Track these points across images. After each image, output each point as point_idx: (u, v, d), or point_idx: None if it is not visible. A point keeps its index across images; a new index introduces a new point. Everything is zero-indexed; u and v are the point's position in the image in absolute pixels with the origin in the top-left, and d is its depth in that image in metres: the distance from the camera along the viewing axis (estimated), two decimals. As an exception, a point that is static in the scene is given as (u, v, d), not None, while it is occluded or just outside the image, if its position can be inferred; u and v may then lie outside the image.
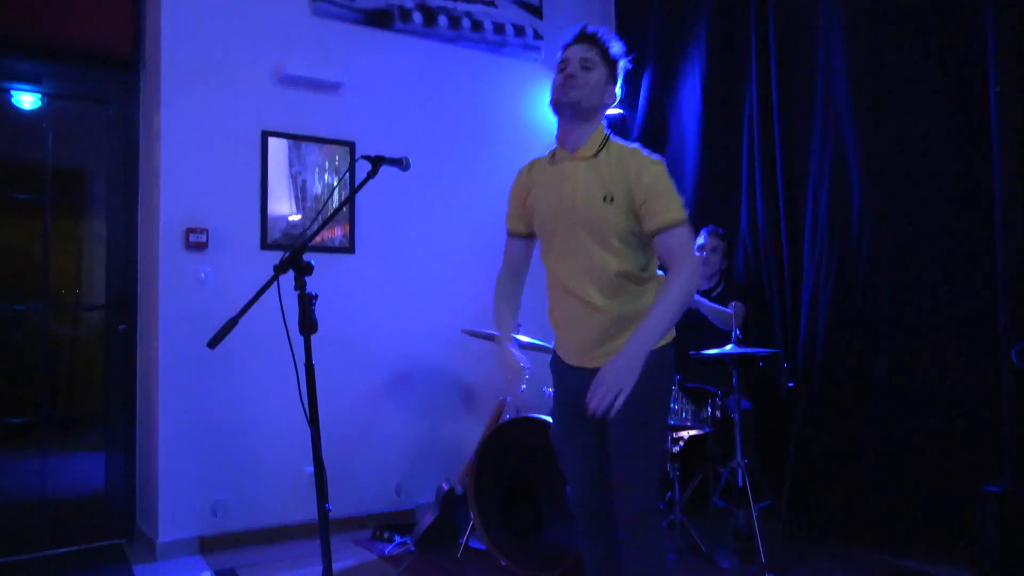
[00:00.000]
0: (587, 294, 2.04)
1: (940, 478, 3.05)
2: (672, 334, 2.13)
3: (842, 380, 3.41)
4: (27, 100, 3.59)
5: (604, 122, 2.13)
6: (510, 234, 2.27)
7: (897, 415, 3.20)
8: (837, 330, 3.44)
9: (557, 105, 2.06)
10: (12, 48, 3.48)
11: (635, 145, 2.08)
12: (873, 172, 3.29)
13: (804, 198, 3.60)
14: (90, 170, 3.75)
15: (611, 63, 2.10)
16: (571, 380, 2.11)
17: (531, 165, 2.23)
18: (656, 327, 1.87)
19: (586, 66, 2.05)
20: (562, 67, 2.09)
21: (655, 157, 2.03)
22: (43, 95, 3.59)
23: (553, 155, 2.14)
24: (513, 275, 2.30)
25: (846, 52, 3.38)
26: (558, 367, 2.19)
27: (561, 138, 2.10)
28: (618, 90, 2.13)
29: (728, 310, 3.54)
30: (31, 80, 3.55)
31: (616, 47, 2.11)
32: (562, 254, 2.09)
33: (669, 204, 1.97)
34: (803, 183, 3.60)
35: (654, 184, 1.98)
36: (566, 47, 2.11)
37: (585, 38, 2.09)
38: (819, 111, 3.52)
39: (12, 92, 3.54)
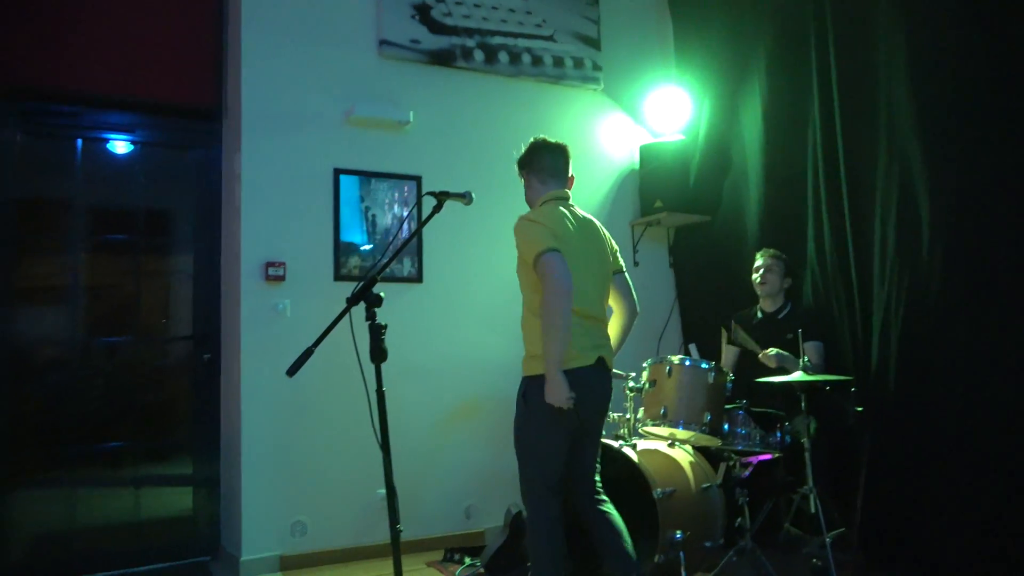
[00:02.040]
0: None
1: (1022, 512, 2.92)
2: (563, 362, 2.48)
3: (916, 408, 3.30)
4: (121, 147, 3.89)
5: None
6: None
7: (974, 445, 3.08)
8: (910, 357, 3.33)
9: None
10: (110, 105, 3.81)
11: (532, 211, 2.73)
12: (942, 196, 3.20)
13: (871, 224, 3.53)
14: (177, 211, 4.03)
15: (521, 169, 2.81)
16: None
17: None
18: (545, 346, 2.43)
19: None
20: None
21: (523, 216, 2.64)
22: (135, 143, 3.89)
23: None
24: None
25: (909, 78, 3.32)
26: None
27: None
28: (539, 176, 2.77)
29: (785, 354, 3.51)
30: (125, 130, 3.86)
31: (518, 156, 2.82)
32: None
33: (523, 248, 2.57)
34: (870, 208, 3.54)
35: (516, 235, 2.60)
36: None
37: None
38: (883, 136, 3.46)
39: (109, 141, 3.85)
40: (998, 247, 3.04)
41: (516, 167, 2.83)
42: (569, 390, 2.42)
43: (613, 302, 2.85)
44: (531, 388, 2.55)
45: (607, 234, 2.83)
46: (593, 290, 2.64)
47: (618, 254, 2.85)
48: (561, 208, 2.69)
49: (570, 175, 2.82)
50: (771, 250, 3.87)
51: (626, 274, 2.85)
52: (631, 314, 2.85)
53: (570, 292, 2.43)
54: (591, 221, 2.78)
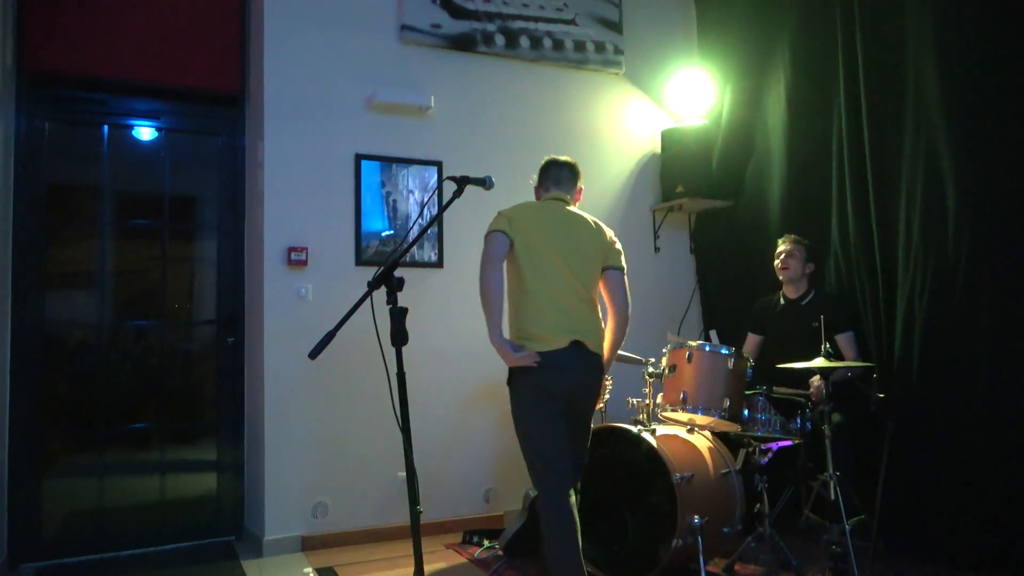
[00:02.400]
0: None
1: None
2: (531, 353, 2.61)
3: (939, 396, 3.27)
4: (146, 134, 3.94)
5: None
6: None
7: (997, 434, 3.04)
8: (934, 344, 3.29)
9: None
10: (135, 91, 3.87)
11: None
12: (968, 182, 3.14)
13: (896, 210, 3.48)
14: (201, 196, 4.08)
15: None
16: None
17: None
18: None
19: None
20: None
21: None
22: (160, 129, 3.94)
23: None
24: None
25: (936, 61, 3.26)
26: None
27: None
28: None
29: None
30: (150, 117, 3.91)
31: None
32: None
33: None
34: (895, 194, 3.49)
35: None
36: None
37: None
38: (909, 120, 3.41)
39: (135, 128, 3.91)
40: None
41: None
42: (515, 351, 2.60)
43: (605, 300, 2.82)
44: (510, 370, 2.70)
45: (604, 231, 2.83)
46: (565, 270, 2.68)
47: (620, 257, 2.83)
48: (541, 203, 2.86)
49: (578, 187, 2.94)
50: (792, 235, 3.84)
51: (623, 274, 2.81)
52: (621, 315, 2.80)
53: (493, 264, 2.62)
54: (578, 216, 2.81)
